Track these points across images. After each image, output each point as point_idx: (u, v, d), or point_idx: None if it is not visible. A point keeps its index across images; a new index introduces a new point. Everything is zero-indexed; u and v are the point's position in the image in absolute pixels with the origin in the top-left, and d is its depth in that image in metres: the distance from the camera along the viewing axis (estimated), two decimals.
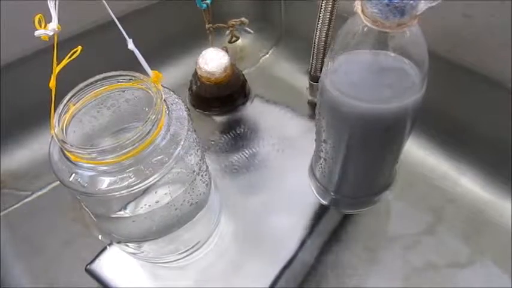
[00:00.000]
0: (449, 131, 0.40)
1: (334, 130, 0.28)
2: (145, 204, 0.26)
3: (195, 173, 0.28)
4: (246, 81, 0.47)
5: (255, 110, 0.46)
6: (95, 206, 0.27)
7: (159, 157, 0.24)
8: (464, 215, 0.36)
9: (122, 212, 0.26)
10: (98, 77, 0.25)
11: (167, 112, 0.25)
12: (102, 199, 0.25)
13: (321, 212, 0.36)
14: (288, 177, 0.39)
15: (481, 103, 0.36)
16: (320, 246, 0.34)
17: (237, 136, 0.43)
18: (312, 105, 0.45)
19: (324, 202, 0.37)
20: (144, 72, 0.25)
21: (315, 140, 0.33)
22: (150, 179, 0.24)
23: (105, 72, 0.25)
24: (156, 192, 0.26)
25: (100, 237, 0.33)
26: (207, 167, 0.32)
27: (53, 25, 0.20)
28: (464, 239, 0.34)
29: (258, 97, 0.47)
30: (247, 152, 0.42)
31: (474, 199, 0.36)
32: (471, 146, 0.39)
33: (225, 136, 0.43)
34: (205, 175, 0.31)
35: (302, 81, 0.47)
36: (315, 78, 0.43)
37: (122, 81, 0.25)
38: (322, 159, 0.33)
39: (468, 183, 0.37)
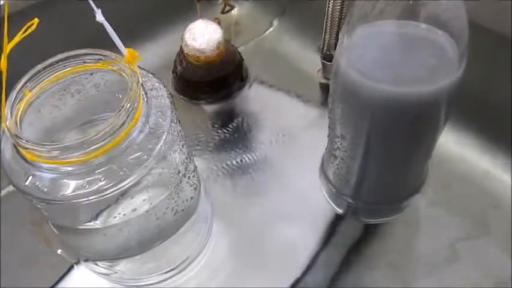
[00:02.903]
0: (494, 120, 0.40)
1: (351, 121, 0.28)
2: (119, 213, 0.26)
3: (180, 174, 0.29)
4: (243, 60, 0.47)
5: (254, 97, 0.46)
6: (57, 216, 0.27)
7: (136, 155, 0.24)
8: None
9: (90, 223, 0.26)
10: (59, 56, 0.25)
11: (145, 99, 0.25)
12: (66, 207, 0.25)
13: (335, 223, 0.36)
14: (294, 179, 0.39)
15: None
16: (335, 264, 0.35)
17: (232, 129, 0.43)
18: (325, 91, 0.45)
19: (339, 210, 0.37)
20: (116, 50, 0.25)
21: (328, 135, 0.33)
22: (125, 182, 0.24)
23: (68, 51, 0.25)
24: (132, 198, 0.26)
25: (63, 254, 0.33)
26: (196, 167, 0.32)
27: None
28: None
29: (258, 81, 0.47)
30: (244, 148, 0.42)
31: None
32: None
33: (217, 129, 0.44)
34: (193, 177, 0.31)
35: (312, 61, 0.47)
36: (328, 57, 0.43)
37: (89, 62, 0.25)
38: (337, 157, 0.33)
39: None
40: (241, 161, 0.41)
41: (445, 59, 0.24)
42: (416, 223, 0.37)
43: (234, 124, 0.44)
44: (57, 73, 0.25)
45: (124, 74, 0.25)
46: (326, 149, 0.36)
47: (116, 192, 0.24)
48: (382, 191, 0.34)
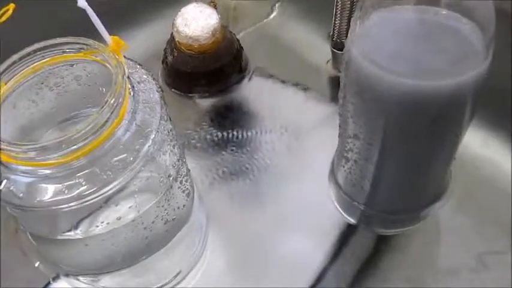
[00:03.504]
0: None
1: (365, 119, 0.28)
2: (102, 222, 0.27)
3: (171, 179, 0.29)
4: (242, 49, 0.47)
5: (254, 90, 0.46)
6: (34, 224, 0.27)
7: (121, 156, 0.24)
8: None
9: (71, 233, 0.27)
10: (36, 45, 0.25)
11: (132, 94, 0.25)
12: (44, 215, 0.25)
13: (346, 233, 0.36)
14: (300, 185, 0.39)
15: None
16: (346, 280, 0.35)
17: (230, 127, 0.43)
18: (335, 84, 0.44)
19: (351, 220, 0.37)
20: (100, 39, 0.25)
21: (339, 134, 0.33)
22: (109, 187, 0.24)
23: (46, 39, 0.25)
24: (117, 206, 0.26)
25: (41, 267, 0.33)
26: (188, 170, 0.32)
27: None
28: None
29: (259, 72, 0.47)
30: (244, 149, 0.42)
31: None
32: None
33: (213, 127, 0.43)
34: (186, 181, 0.31)
35: (320, 50, 0.47)
36: (338, 46, 0.43)
37: (69, 52, 0.26)
38: (349, 160, 0.33)
39: None
40: (240, 163, 0.41)
41: (469, 49, 0.24)
42: (436, 234, 0.37)
43: (232, 121, 0.44)
44: (34, 64, 0.25)
45: (108, 65, 0.25)
46: (336, 150, 0.36)
47: (98, 198, 0.24)
48: (399, 198, 0.34)
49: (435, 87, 0.24)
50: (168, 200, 0.29)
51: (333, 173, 0.37)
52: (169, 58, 0.45)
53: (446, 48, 0.24)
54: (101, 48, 0.25)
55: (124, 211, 0.27)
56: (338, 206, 0.38)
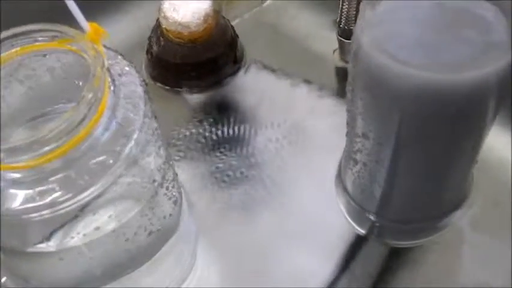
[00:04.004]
0: None
1: (376, 116, 0.28)
2: (78, 233, 0.26)
3: (156, 184, 0.29)
4: (238, 37, 0.47)
5: (251, 84, 0.45)
6: (2, 235, 0.26)
7: (100, 158, 0.24)
8: None
9: (43, 245, 0.26)
10: (4, 33, 0.25)
11: (112, 88, 0.25)
12: (13, 224, 0.25)
13: (355, 246, 0.36)
14: (303, 190, 0.39)
15: None
16: None
17: (224, 126, 0.43)
18: (342, 77, 0.45)
19: (361, 230, 0.37)
20: (76, 26, 0.25)
21: (347, 133, 0.33)
22: (86, 193, 0.24)
23: (16, 26, 0.25)
24: (95, 214, 0.26)
25: (8, 283, 0.32)
26: (176, 174, 0.32)
27: None
28: None
29: (257, 64, 0.47)
30: (239, 151, 0.41)
31: None
32: None
33: (204, 126, 0.43)
34: (173, 187, 0.31)
35: (326, 39, 0.47)
36: (346, 34, 0.43)
37: (41, 40, 0.25)
38: (358, 162, 0.33)
39: None
40: (235, 167, 0.41)
41: (493, 38, 0.24)
42: (457, 247, 0.36)
43: (227, 119, 0.43)
44: (2, 54, 0.25)
45: (85, 56, 0.25)
46: (344, 151, 0.36)
47: (74, 205, 0.24)
48: (414, 206, 0.34)
49: (455, 81, 0.24)
50: (153, 209, 0.29)
51: (340, 177, 0.37)
52: (155, 47, 0.45)
53: (468, 36, 0.24)
54: (77, 37, 0.25)
55: (103, 221, 0.27)
56: (346, 215, 0.38)
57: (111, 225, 0.27)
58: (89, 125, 0.23)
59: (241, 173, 0.41)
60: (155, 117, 0.28)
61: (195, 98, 0.46)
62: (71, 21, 0.25)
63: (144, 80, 0.27)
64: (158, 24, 0.44)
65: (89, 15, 0.25)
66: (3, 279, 0.32)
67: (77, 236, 0.26)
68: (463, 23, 0.24)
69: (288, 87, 0.45)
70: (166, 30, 0.44)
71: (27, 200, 0.23)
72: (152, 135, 0.27)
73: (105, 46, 0.26)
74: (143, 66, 0.47)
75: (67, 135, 0.23)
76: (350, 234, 0.37)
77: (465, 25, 0.24)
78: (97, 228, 0.26)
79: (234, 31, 0.47)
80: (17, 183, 0.23)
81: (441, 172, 0.31)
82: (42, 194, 0.23)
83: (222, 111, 0.44)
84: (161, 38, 0.45)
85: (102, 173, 0.24)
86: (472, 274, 0.35)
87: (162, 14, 0.43)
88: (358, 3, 0.40)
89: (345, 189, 0.37)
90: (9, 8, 0.34)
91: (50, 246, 0.26)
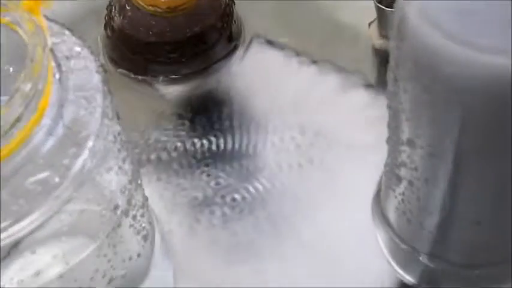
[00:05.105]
0: None
1: (427, 116, 0.26)
2: (12, 279, 0.26)
3: (118, 212, 0.27)
4: (234, 4, 0.44)
5: (252, 69, 0.42)
6: None
7: (42, 175, 0.23)
8: None
9: None
10: None
11: (58, 76, 0.24)
12: None
13: None
14: (326, 220, 0.35)
15: None
16: None
17: (214, 129, 0.39)
18: (382, 60, 0.42)
19: (409, 278, 0.34)
20: None
21: (387, 139, 0.31)
22: (23, 224, 0.22)
23: None
24: (34, 253, 0.25)
25: None
26: (146, 198, 0.31)
27: None
28: None
29: (259, 40, 0.43)
30: (234, 166, 0.38)
31: None
32: None
33: (186, 130, 0.40)
34: (142, 216, 0.30)
35: (358, 7, 0.44)
36: (387, 0, 0.40)
37: None
38: (402, 180, 0.30)
39: None
40: (228, 188, 0.37)
41: None
42: None
43: (217, 120, 0.40)
44: None
45: (20, 31, 0.23)
46: (385, 165, 0.33)
47: (6, 241, 0.22)
48: (484, 244, 0.31)
49: None
50: (114, 246, 0.28)
51: (378, 202, 0.35)
52: (117, 19, 0.42)
53: None
54: (10, 5, 0.24)
55: (45, 262, 0.26)
56: (388, 255, 0.35)
57: (57, 269, 0.26)
58: (26, 129, 0.22)
59: (238, 198, 0.37)
60: (118, 118, 0.27)
61: (174, 91, 0.42)
62: None
63: (102, 65, 0.26)
64: None
65: None
66: None
67: (10, 283, 0.26)
68: None
69: (303, 74, 0.41)
70: None
71: None
72: (114, 143, 0.26)
73: (47, 18, 0.25)
74: (101, 46, 0.44)
75: None
76: (394, 282, 0.34)
77: None
78: (37, 274, 0.25)
79: None
80: None
81: None
82: None
83: (211, 108, 0.41)
84: (126, 6, 0.41)
85: (44, 196, 0.23)
86: None
87: None
88: None
89: (385, 218, 0.34)
90: None
91: None
